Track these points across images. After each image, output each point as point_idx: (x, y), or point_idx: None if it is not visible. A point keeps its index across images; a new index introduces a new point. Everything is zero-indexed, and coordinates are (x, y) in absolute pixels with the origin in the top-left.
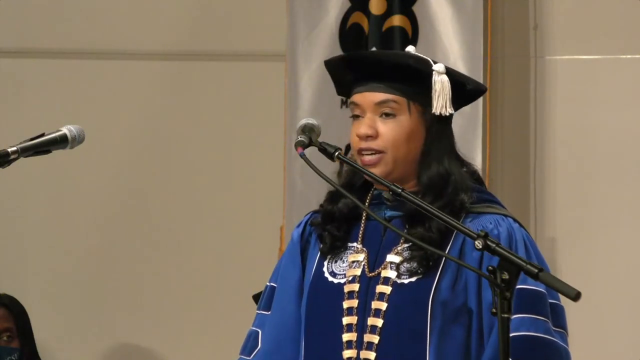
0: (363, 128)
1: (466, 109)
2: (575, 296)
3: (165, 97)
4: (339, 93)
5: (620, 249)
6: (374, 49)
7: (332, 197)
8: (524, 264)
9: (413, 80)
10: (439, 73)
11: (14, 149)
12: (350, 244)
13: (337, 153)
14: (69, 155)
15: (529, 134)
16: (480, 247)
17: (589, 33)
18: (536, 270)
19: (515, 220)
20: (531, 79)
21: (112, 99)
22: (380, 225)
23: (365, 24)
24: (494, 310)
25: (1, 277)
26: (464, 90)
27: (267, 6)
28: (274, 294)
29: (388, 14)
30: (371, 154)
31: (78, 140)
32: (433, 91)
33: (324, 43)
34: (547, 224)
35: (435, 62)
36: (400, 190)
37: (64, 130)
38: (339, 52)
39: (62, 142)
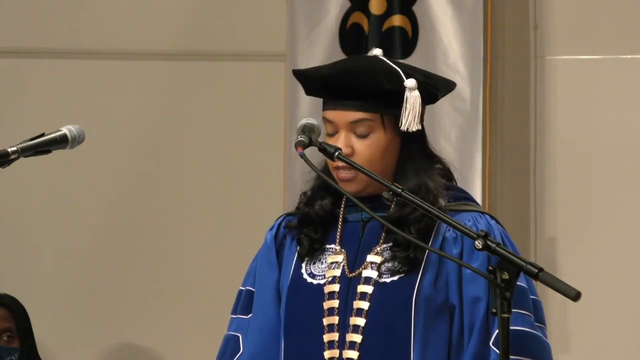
0: (340, 147)
1: (466, 109)
2: (575, 296)
3: (166, 97)
4: (308, 94)
5: (620, 249)
6: (374, 49)
7: (308, 200)
8: (524, 264)
9: (386, 96)
10: (411, 89)
11: (14, 149)
12: (328, 246)
13: (337, 153)
14: (69, 156)
15: (529, 134)
16: (481, 247)
17: (589, 33)
18: (536, 270)
19: (492, 217)
20: (531, 79)
21: (112, 99)
22: (358, 226)
23: (365, 24)
24: (494, 310)
25: (1, 277)
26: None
27: (267, 6)
28: (252, 298)
29: (388, 14)
30: (347, 171)
31: (78, 140)
32: (403, 109)
33: (324, 43)
34: (547, 224)
35: (407, 75)
36: (400, 190)
37: (64, 130)
38: (339, 52)
39: (62, 142)
